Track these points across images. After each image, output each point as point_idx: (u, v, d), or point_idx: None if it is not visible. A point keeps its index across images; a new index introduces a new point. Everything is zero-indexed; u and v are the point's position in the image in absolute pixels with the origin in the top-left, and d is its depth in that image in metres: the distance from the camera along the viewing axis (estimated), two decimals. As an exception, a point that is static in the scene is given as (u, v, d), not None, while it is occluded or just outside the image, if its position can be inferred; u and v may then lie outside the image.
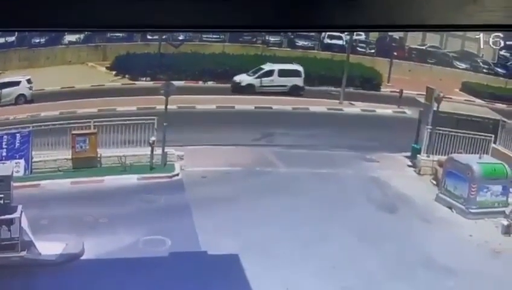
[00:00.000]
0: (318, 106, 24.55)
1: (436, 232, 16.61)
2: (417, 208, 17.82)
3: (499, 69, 28.54)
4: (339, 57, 27.55)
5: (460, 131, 20.11)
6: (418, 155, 20.23)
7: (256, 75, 25.36)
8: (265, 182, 18.51)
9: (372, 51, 29.17)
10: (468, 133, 20.07)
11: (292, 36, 28.45)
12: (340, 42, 28.74)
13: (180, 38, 26.32)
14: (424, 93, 21.37)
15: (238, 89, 25.04)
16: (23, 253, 14.48)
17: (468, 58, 29.02)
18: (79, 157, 18.75)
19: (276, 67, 25.63)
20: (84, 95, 23.18)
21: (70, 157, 18.77)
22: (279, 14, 2.49)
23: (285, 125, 22.06)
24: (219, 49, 27.55)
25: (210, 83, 25.92)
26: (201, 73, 25.96)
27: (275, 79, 25.36)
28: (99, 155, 18.98)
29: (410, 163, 20.48)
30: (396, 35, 29.28)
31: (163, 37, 25.72)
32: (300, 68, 25.62)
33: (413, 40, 29.92)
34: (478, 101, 26.02)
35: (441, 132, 20.06)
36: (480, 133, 20.18)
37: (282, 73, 25.49)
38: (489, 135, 20.33)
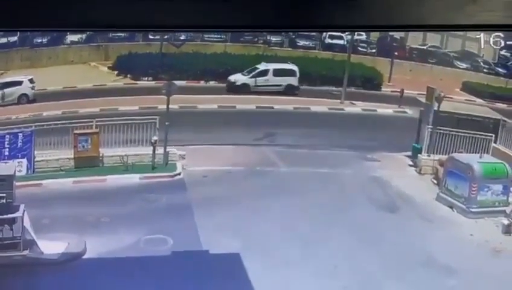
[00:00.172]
0: (319, 106, 24.55)
1: (437, 232, 16.63)
2: (418, 208, 17.84)
3: (500, 69, 28.53)
4: (340, 57, 27.55)
5: (461, 130, 20.13)
6: (418, 155, 20.25)
7: (251, 75, 25.33)
8: (266, 182, 18.53)
9: (373, 50, 29.17)
10: (469, 133, 20.09)
11: (293, 36, 28.46)
12: (341, 42, 28.74)
13: (182, 38, 26.33)
14: (425, 93, 21.39)
15: (233, 89, 25.02)
16: (26, 252, 14.50)
17: (468, 58, 29.01)
18: (81, 156, 18.78)
19: (271, 66, 25.59)
20: (86, 94, 23.18)
21: (72, 156, 18.79)
22: (280, 14, 2.51)
23: (287, 125, 22.07)
24: (220, 49, 27.56)
25: (211, 83, 25.92)
26: (202, 73, 25.96)
27: (270, 78, 25.32)
28: (101, 155, 19.01)
29: (411, 162, 20.50)
30: (397, 35, 29.29)
31: (165, 37, 25.73)
32: (295, 68, 25.60)
33: (414, 40, 29.92)
34: (479, 100, 26.01)
35: (441, 131, 20.09)
36: (480, 133, 20.20)
37: (277, 72, 25.46)
38: (490, 134, 20.34)
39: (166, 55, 26.19)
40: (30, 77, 23.22)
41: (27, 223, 14.61)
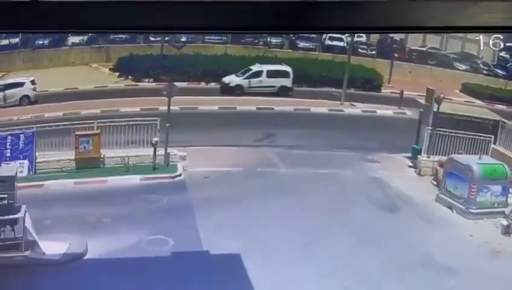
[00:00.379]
0: (319, 107, 24.62)
1: (437, 232, 16.69)
2: (418, 208, 17.89)
3: (499, 71, 28.57)
4: (340, 59, 27.61)
5: (460, 132, 20.19)
6: (418, 156, 20.30)
7: (245, 76, 25.38)
8: (266, 182, 18.58)
9: (373, 52, 29.23)
10: (468, 134, 20.15)
11: (293, 38, 28.53)
12: (341, 44, 28.79)
13: (183, 40, 26.39)
14: (425, 94, 21.45)
15: (227, 90, 25.09)
16: (27, 253, 14.54)
17: (468, 59, 29.06)
18: (82, 157, 18.83)
19: (265, 68, 25.62)
20: (87, 96, 23.23)
21: (73, 157, 18.85)
22: (279, 16, 2.54)
23: (287, 126, 22.12)
24: (221, 50, 27.62)
25: (212, 84, 25.99)
26: (203, 74, 26.03)
27: (264, 80, 25.36)
28: (102, 156, 19.06)
29: (410, 163, 20.55)
30: (397, 36, 29.35)
31: (166, 38, 25.80)
32: (288, 69, 25.65)
33: (414, 41, 29.99)
34: (478, 102, 26.06)
35: (441, 132, 20.15)
36: (480, 134, 20.26)
37: (271, 74, 25.50)
38: (489, 135, 20.40)
39: (167, 56, 26.25)
40: (32, 79, 23.27)
41: (28, 223, 14.65)
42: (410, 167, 20.47)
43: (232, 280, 14.10)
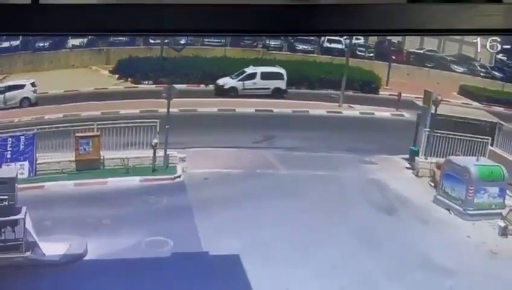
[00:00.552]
0: (318, 109, 24.72)
1: (434, 233, 16.77)
2: (415, 210, 17.97)
3: (496, 73, 28.54)
4: (338, 61, 27.67)
5: (457, 133, 20.21)
6: (416, 157, 20.31)
7: (239, 78, 25.35)
8: (266, 184, 18.64)
9: (371, 54, 29.37)
10: (466, 136, 20.21)
11: (292, 40, 28.70)
12: (339, 46, 28.83)
13: (182, 42, 26.55)
14: (422, 96, 21.53)
15: (221, 92, 25.05)
16: (28, 253, 14.52)
17: (465, 62, 28.98)
18: (82, 159, 18.82)
19: (259, 70, 25.50)
20: (87, 98, 23.13)
21: (73, 159, 18.80)
22: (279, 19, 2.58)
23: (286, 128, 22.20)
24: (220, 53, 27.70)
25: (211, 86, 26.15)
26: (202, 76, 26.18)
27: (258, 82, 25.28)
28: (102, 157, 19.11)
29: (408, 165, 20.56)
30: (395, 39, 29.51)
31: (166, 41, 25.94)
32: (282, 71, 25.53)
33: (411, 44, 30.15)
34: (475, 104, 26.07)
35: (438, 134, 20.16)
36: (477, 136, 20.34)
37: (265, 76, 25.40)
38: (487, 137, 20.42)
39: (167, 59, 26.28)
40: (32, 81, 23.17)
41: (29, 225, 14.65)
42: (408, 168, 20.47)
43: (231, 279, 14.21)
